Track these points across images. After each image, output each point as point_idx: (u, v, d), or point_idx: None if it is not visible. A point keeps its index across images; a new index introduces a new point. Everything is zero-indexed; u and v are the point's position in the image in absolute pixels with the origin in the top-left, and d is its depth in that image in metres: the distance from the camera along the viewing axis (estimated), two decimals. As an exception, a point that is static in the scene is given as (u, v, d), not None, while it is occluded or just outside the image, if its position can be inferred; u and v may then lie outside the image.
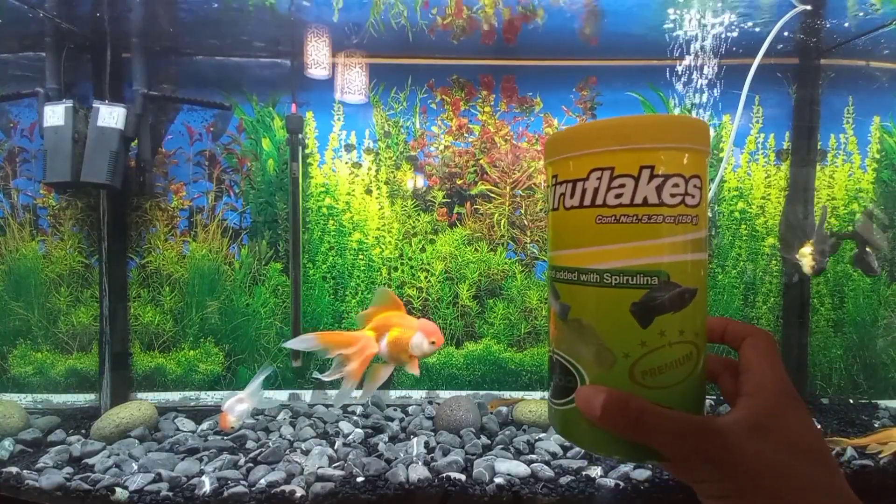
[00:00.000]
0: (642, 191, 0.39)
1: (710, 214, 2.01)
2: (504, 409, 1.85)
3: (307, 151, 2.04)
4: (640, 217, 0.40)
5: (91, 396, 1.99)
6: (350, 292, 2.06)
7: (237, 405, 1.61)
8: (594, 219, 0.41)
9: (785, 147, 2.04)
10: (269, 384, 2.05)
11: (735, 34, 1.76)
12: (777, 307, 2.06)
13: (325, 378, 1.23)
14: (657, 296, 0.40)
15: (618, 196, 0.40)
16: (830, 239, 1.75)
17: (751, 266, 2.05)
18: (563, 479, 1.40)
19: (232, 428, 1.61)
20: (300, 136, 1.97)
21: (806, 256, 1.73)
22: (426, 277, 2.06)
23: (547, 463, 1.49)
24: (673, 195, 0.40)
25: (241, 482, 1.39)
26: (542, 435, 1.69)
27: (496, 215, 2.07)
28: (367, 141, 2.06)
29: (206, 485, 1.35)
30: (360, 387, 1.27)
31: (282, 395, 2.04)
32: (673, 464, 0.40)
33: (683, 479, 0.41)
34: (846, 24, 1.79)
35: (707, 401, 0.50)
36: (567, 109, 2.06)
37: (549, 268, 0.45)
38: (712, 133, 1.96)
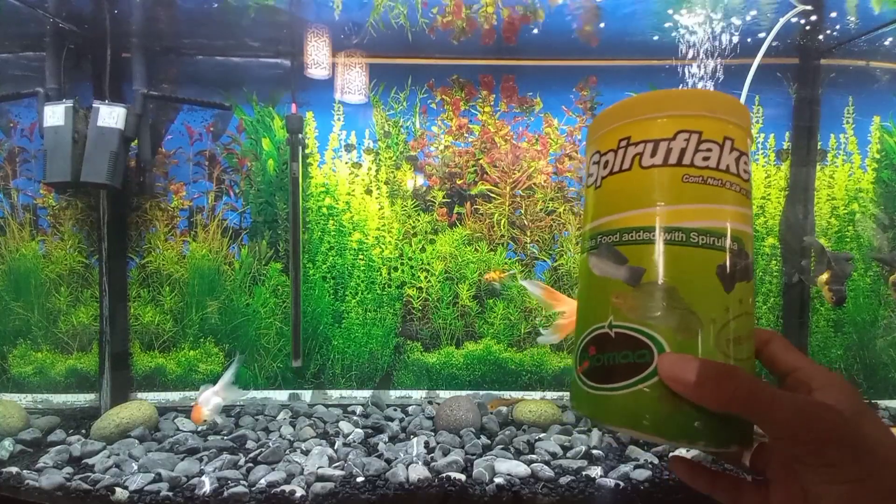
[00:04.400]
0: (725, 159, 0.40)
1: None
2: (504, 409, 1.85)
3: (307, 151, 2.04)
4: (723, 182, 0.40)
5: (91, 396, 1.99)
6: (350, 292, 2.06)
7: (213, 398, 1.62)
8: (680, 177, 0.40)
9: (785, 147, 2.04)
10: (269, 384, 2.06)
11: (735, 34, 1.76)
12: (777, 307, 2.06)
13: (544, 335, 1.31)
14: (738, 261, 0.39)
15: (705, 159, 0.40)
16: (848, 263, 1.72)
17: (751, 266, 2.05)
18: (563, 479, 1.39)
19: (205, 421, 1.62)
20: (300, 136, 1.97)
21: (823, 287, 1.71)
22: (426, 277, 2.06)
23: (547, 463, 1.49)
24: (745, 170, 0.41)
25: (241, 482, 1.39)
26: (542, 435, 1.69)
27: (496, 215, 2.07)
28: (367, 141, 2.06)
29: (206, 485, 1.35)
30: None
31: (282, 395, 2.05)
32: (787, 446, 0.36)
33: (781, 466, 0.38)
34: (846, 25, 1.79)
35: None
36: (567, 109, 2.06)
37: (606, 234, 0.42)
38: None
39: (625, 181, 0.42)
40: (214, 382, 1.71)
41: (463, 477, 1.39)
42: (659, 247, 0.39)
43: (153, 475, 1.39)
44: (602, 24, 1.79)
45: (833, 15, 1.75)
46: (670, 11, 1.69)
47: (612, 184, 0.42)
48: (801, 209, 2.00)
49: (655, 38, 1.80)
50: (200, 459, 1.51)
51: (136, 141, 1.86)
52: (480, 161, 2.06)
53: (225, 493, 1.33)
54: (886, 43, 1.86)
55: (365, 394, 2.06)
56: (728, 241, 0.39)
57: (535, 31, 1.77)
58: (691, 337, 0.38)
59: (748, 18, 1.71)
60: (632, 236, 0.40)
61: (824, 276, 1.72)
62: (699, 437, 0.37)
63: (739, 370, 0.36)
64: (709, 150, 0.40)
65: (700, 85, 1.82)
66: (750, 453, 0.42)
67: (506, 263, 2.06)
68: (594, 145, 0.45)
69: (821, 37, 1.88)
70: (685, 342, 0.38)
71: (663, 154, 0.40)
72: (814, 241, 1.86)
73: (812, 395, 0.38)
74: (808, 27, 1.80)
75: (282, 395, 2.05)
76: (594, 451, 1.56)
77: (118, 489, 1.33)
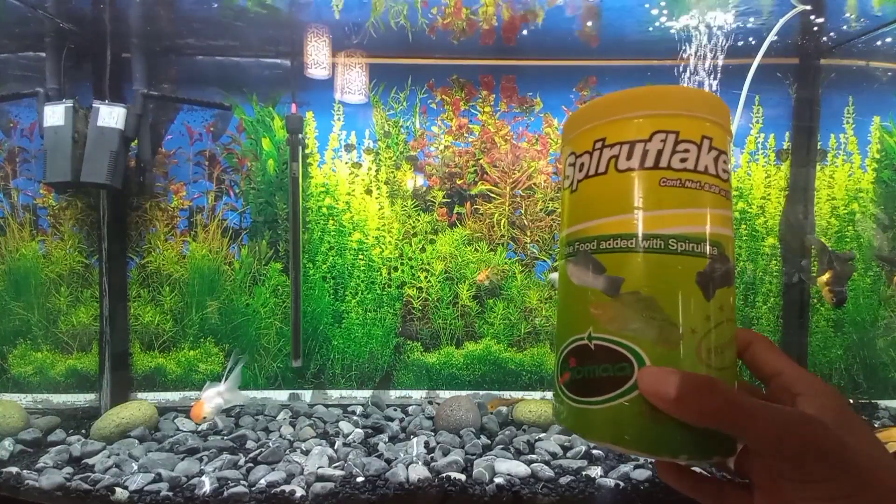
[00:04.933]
0: (703, 159, 0.38)
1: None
2: (504, 409, 1.85)
3: (307, 151, 2.04)
4: (702, 184, 0.38)
5: (91, 396, 1.99)
6: (350, 292, 2.06)
7: (216, 398, 1.63)
8: (658, 181, 0.38)
9: (785, 147, 2.04)
10: (269, 384, 2.06)
11: (735, 34, 1.76)
12: (777, 307, 2.06)
13: None
14: (718, 267, 0.38)
15: (683, 160, 0.38)
16: (850, 264, 1.70)
17: (751, 266, 2.05)
18: (563, 479, 1.40)
19: (204, 419, 1.62)
20: (300, 136, 1.97)
21: (823, 288, 1.70)
22: (426, 277, 2.06)
23: (547, 463, 1.49)
24: (724, 170, 0.39)
25: (241, 482, 1.39)
26: (542, 435, 1.69)
27: (496, 215, 2.07)
28: (367, 141, 2.06)
29: (206, 485, 1.35)
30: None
31: (282, 395, 2.05)
32: (768, 460, 0.35)
33: (765, 478, 0.37)
34: (846, 25, 1.79)
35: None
36: (567, 109, 2.06)
37: (583, 241, 0.41)
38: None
39: (601, 185, 0.40)
40: (218, 382, 1.72)
41: (463, 477, 1.39)
42: (637, 255, 0.38)
43: (153, 475, 1.39)
44: (602, 24, 1.79)
45: (833, 15, 1.75)
46: (671, 11, 1.69)
47: (588, 188, 0.41)
48: (801, 209, 2.00)
49: (655, 37, 1.80)
50: (200, 459, 1.51)
51: (136, 141, 1.86)
52: (480, 161, 2.06)
53: (225, 493, 1.33)
54: (882, 42, 1.86)
55: (365, 394, 2.06)
56: (708, 247, 0.38)
57: (525, 32, 1.77)
58: (671, 348, 0.37)
59: (748, 18, 1.71)
60: (609, 244, 0.39)
61: (825, 277, 1.71)
62: (681, 451, 0.37)
63: (719, 383, 0.35)
64: (686, 150, 0.38)
65: (700, 84, 1.82)
66: (734, 458, 0.42)
67: (505, 263, 2.06)
68: (569, 146, 0.44)
69: (821, 37, 1.88)
70: (665, 354, 0.37)
71: (639, 156, 0.39)
72: (815, 240, 1.86)
73: (795, 402, 0.38)
74: (808, 27, 1.80)
75: (282, 395, 2.05)
76: (594, 451, 1.56)
77: (118, 489, 1.33)
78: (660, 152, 0.38)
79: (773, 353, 0.41)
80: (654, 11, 1.70)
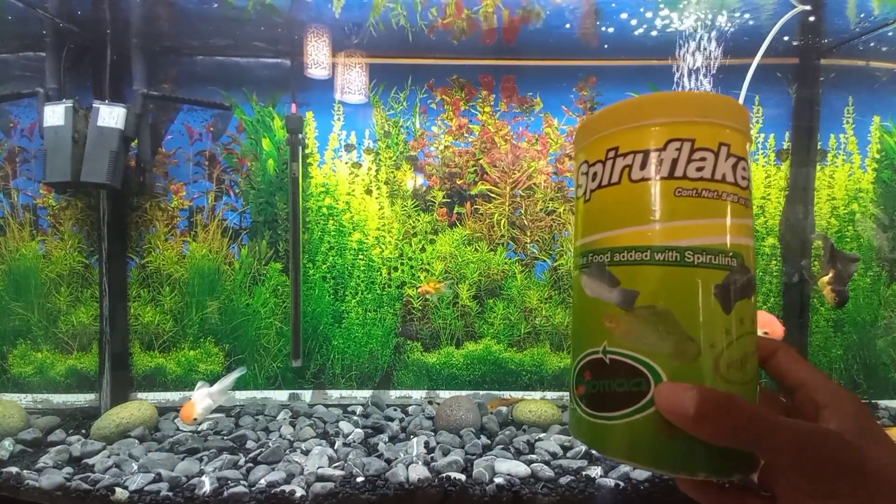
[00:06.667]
0: (721, 167, 0.37)
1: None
2: (504, 409, 1.85)
3: (307, 151, 2.04)
4: (719, 193, 0.37)
5: (91, 396, 1.99)
6: (350, 292, 2.06)
7: (206, 399, 1.63)
8: (673, 191, 0.37)
9: (785, 147, 2.04)
10: (269, 384, 2.06)
11: (735, 34, 1.76)
12: (777, 307, 2.06)
13: None
14: (737, 278, 0.36)
15: (699, 169, 0.37)
16: (853, 265, 1.69)
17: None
18: (563, 479, 1.40)
19: (195, 420, 1.62)
20: (300, 136, 1.97)
21: (825, 288, 1.68)
22: (426, 277, 2.06)
23: (547, 463, 1.49)
24: (743, 177, 0.38)
25: (241, 482, 1.39)
26: (542, 435, 1.69)
27: (496, 215, 2.07)
28: (367, 141, 2.06)
29: (206, 485, 1.35)
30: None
31: (282, 395, 2.05)
32: (788, 475, 0.35)
33: (788, 492, 0.36)
34: (846, 25, 1.79)
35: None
36: (567, 109, 2.06)
37: (597, 253, 0.39)
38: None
39: (614, 196, 0.39)
40: (213, 383, 1.71)
41: (463, 477, 1.39)
42: (652, 268, 0.37)
43: (153, 475, 1.39)
44: (601, 24, 1.79)
45: (833, 15, 1.75)
46: (671, 11, 1.69)
47: (601, 198, 0.40)
48: (801, 209, 2.00)
49: (655, 37, 1.80)
50: (200, 459, 1.51)
51: (136, 141, 1.86)
52: (480, 161, 2.06)
53: (225, 493, 1.33)
54: (882, 42, 1.86)
55: (365, 394, 2.06)
56: (726, 258, 0.36)
57: (539, 25, 1.76)
58: (689, 364, 0.36)
59: (747, 18, 1.71)
60: (623, 256, 0.38)
61: (827, 276, 1.70)
62: (701, 468, 0.36)
63: (738, 400, 0.34)
64: (703, 159, 0.37)
65: (700, 84, 1.82)
66: (757, 472, 0.42)
67: (505, 264, 2.06)
68: (583, 154, 0.42)
69: (821, 37, 1.88)
70: (682, 369, 0.36)
71: (653, 166, 0.37)
72: (821, 235, 1.85)
73: (818, 414, 0.37)
74: (808, 27, 1.80)
75: (282, 395, 2.05)
76: (594, 452, 1.56)
77: (118, 489, 1.33)
78: (675, 161, 0.37)
79: (798, 363, 0.41)
80: (654, 12, 1.70)
